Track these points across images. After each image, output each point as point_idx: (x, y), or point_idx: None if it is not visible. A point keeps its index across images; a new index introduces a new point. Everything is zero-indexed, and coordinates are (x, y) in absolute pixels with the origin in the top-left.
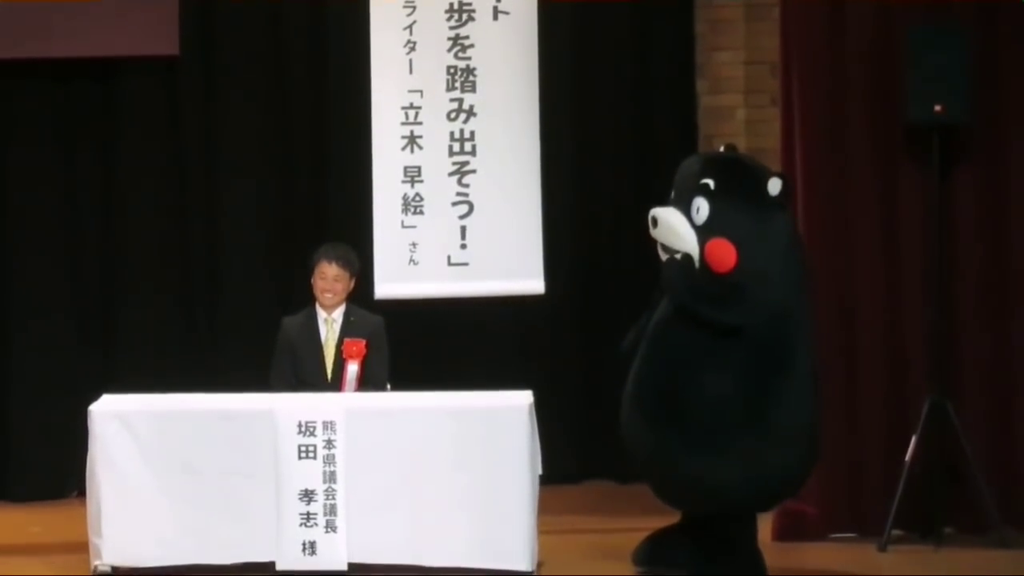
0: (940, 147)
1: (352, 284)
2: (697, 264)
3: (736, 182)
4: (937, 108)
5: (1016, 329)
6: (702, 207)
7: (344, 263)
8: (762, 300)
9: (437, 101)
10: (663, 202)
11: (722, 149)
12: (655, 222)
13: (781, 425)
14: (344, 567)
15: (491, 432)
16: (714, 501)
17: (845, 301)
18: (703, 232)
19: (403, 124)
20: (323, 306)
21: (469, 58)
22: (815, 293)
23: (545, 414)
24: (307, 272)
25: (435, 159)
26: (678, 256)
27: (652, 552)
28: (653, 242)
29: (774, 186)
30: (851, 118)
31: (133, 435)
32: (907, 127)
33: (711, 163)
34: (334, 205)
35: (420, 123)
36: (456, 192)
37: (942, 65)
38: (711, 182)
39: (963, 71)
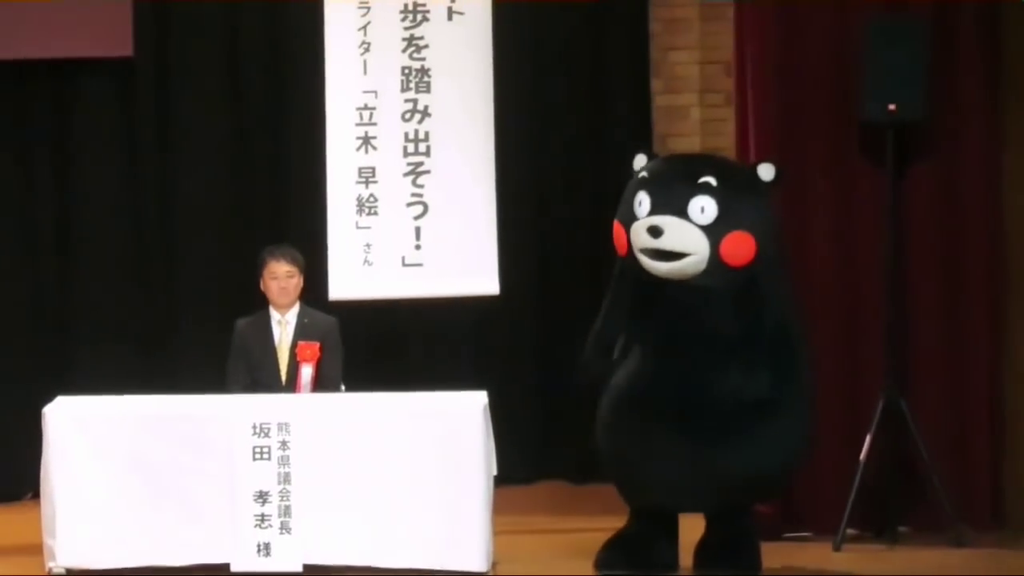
0: (895, 145)
1: (301, 282)
2: (707, 265)
3: (735, 175)
4: (891, 107)
5: (971, 327)
6: (707, 206)
7: (292, 260)
8: (777, 290)
9: (391, 102)
10: (617, 202)
11: (644, 155)
12: (658, 231)
13: (794, 415)
14: (299, 568)
15: (446, 433)
16: (717, 496)
17: (800, 299)
18: (714, 230)
19: (357, 125)
20: (278, 305)
21: (424, 59)
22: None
23: (500, 415)
24: (255, 274)
25: (389, 160)
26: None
27: (618, 556)
28: (609, 242)
29: (767, 172)
30: (806, 117)
31: (87, 437)
32: (862, 125)
33: (701, 162)
34: (288, 206)
35: (374, 124)
36: (411, 193)
37: (897, 63)
38: (712, 179)
39: (918, 69)
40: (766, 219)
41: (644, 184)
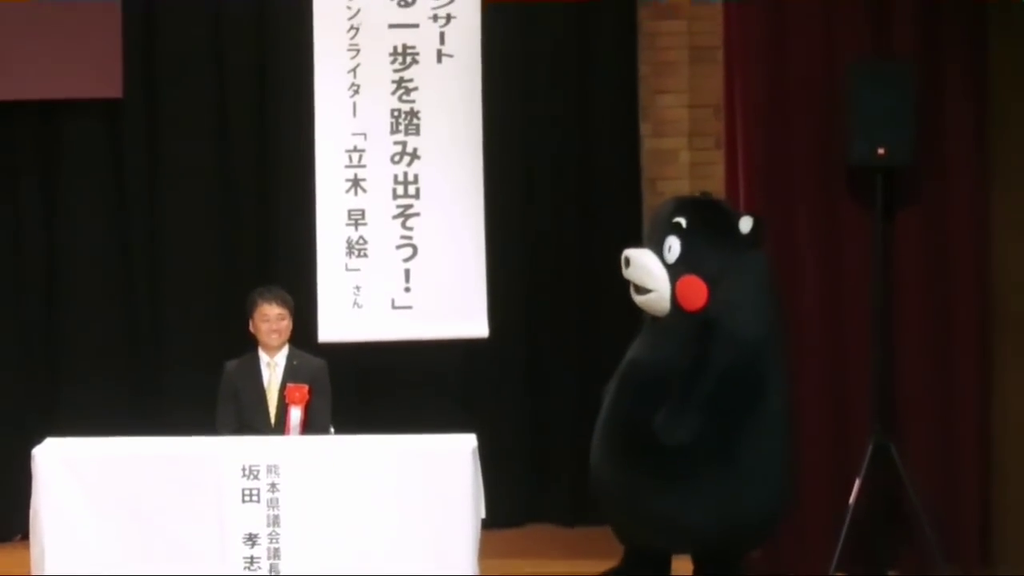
0: (883, 188)
1: (291, 324)
2: (668, 304)
3: (707, 220)
4: (880, 151)
5: (959, 370)
6: (674, 245)
7: (282, 302)
8: (732, 337)
9: (381, 144)
10: (609, 244)
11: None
12: (627, 262)
13: (753, 465)
14: None
15: (434, 476)
16: (689, 541)
17: (787, 342)
18: (675, 270)
19: (347, 167)
20: (268, 347)
21: (413, 101)
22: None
23: (488, 457)
24: (245, 317)
25: (379, 202)
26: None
27: None
28: (599, 285)
29: (745, 224)
30: (795, 159)
31: (77, 479)
32: (850, 168)
33: (683, 204)
34: (278, 248)
35: (364, 166)
36: (400, 235)
37: (885, 106)
38: (683, 220)
39: (906, 112)
40: (735, 269)
41: (651, 218)
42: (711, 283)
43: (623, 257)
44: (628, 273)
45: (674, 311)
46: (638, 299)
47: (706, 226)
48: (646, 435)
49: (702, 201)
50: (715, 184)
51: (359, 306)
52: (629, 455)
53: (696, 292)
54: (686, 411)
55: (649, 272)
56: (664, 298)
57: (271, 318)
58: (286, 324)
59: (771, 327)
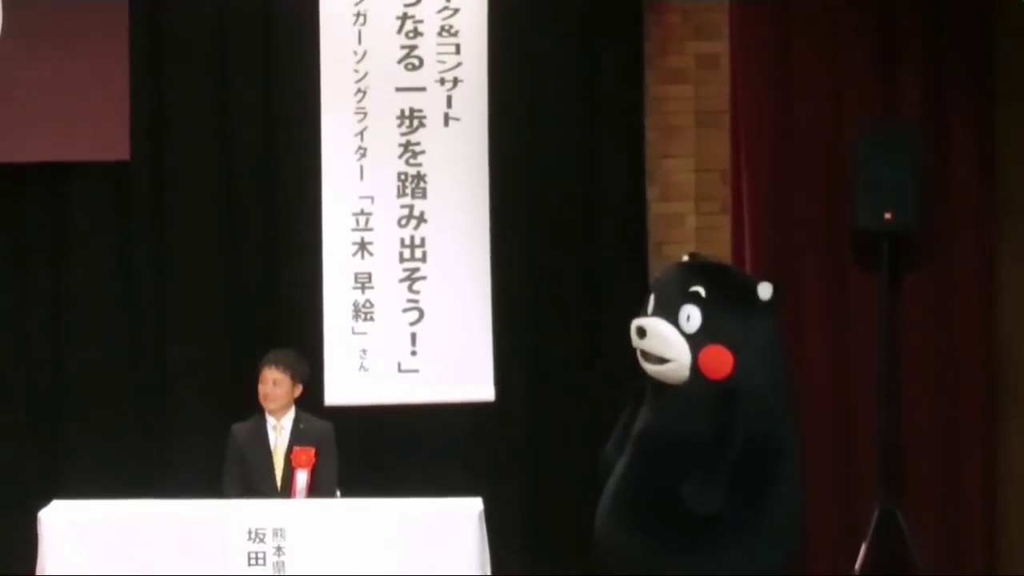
0: (889, 253)
1: (298, 390)
2: (688, 373)
3: (727, 288)
4: (886, 216)
5: (965, 436)
6: (693, 315)
7: (283, 367)
8: (755, 405)
9: (388, 207)
10: (615, 308)
11: (685, 258)
12: (643, 332)
13: (772, 529)
14: None
15: (441, 540)
16: None
17: (795, 407)
18: (695, 340)
19: (354, 230)
20: (267, 411)
21: (420, 164)
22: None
23: (495, 521)
24: (255, 379)
25: (386, 265)
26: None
27: None
28: (605, 350)
29: (765, 291)
30: (801, 224)
31: (83, 541)
32: (856, 233)
33: (699, 270)
34: (285, 311)
35: (371, 229)
36: (407, 299)
37: (891, 171)
38: (701, 289)
39: (912, 177)
40: (754, 336)
41: (655, 284)
42: (735, 352)
43: (635, 327)
44: (643, 343)
45: (694, 380)
46: (653, 369)
47: (726, 295)
48: (672, 504)
49: (714, 267)
50: (721, 248)
51: (365, 369)
52: (652, 524)
53: (722, 362)
54: (716, 480)
55: (668, 342)
56: (683, 367)
57: (267, 382)
58: (281, 392)
59: (786, 393)
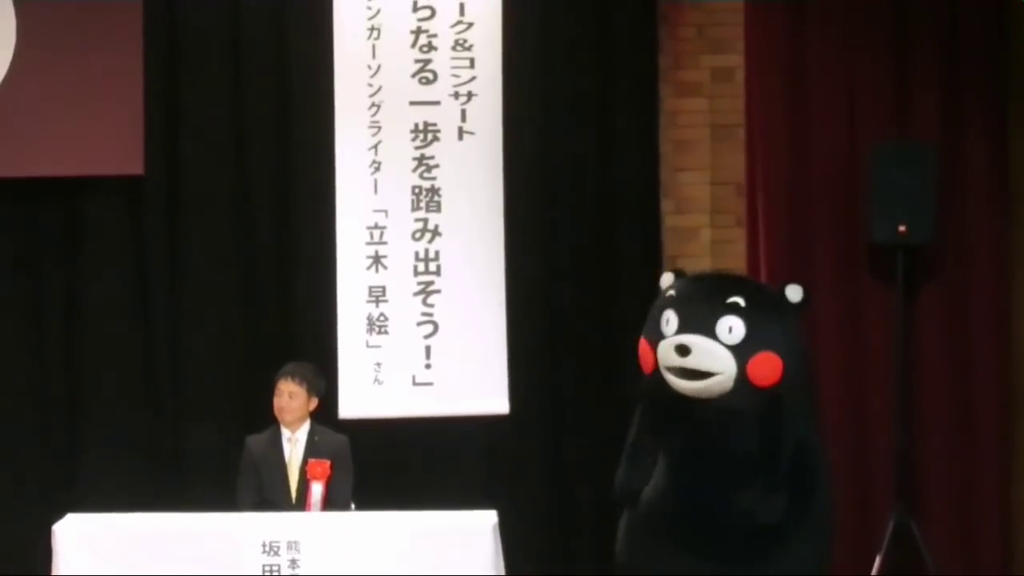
0: (904, 266)
1: (314, 403)
2: (732, 384)
3: (763, 295)
4: (901, 228)
5: (980, 449)
6: (735, 326)
7: (300, 380)
8: (800, 409)
9: (402, 221)
10: (630, 321)
11: (671, 274)
12: (686, 351)
13: (815, 540)
14: None
15: (455, 553)
16: None
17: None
18: (741, 351)
19: (368, 244)
20: (282, 423)
21: (434, 178)
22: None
23: (510, 534)
24: (271, 391)
25: (400, 279)
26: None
27: None
28: (619, 363)
29: (795, 293)
30: (816, 237)
31: (97, 555)
32: (872, 247)
33: (728, 282)
34: (299, 324)
35: (385, 243)
36: (421, 312)
37: (907, 185)
38: (741, 300)
39: (927, 190)
40: (792, 340)
41: (672, 303)
42: (783, 358)
43: (678, 347)
44: (685, 361)
45: (739, 391)
46: (693, 386)
47: (764, 302)
48: (729, 518)
49: (738, 277)
50: (737, 262)
51: (380, 382)
52: (708, 540)
53: (772, 368)
54: (778, 488)
55: (715, 356)
56: (729, 380)
57: (283, 395)
58: (297, 404)
59: (816, 398)
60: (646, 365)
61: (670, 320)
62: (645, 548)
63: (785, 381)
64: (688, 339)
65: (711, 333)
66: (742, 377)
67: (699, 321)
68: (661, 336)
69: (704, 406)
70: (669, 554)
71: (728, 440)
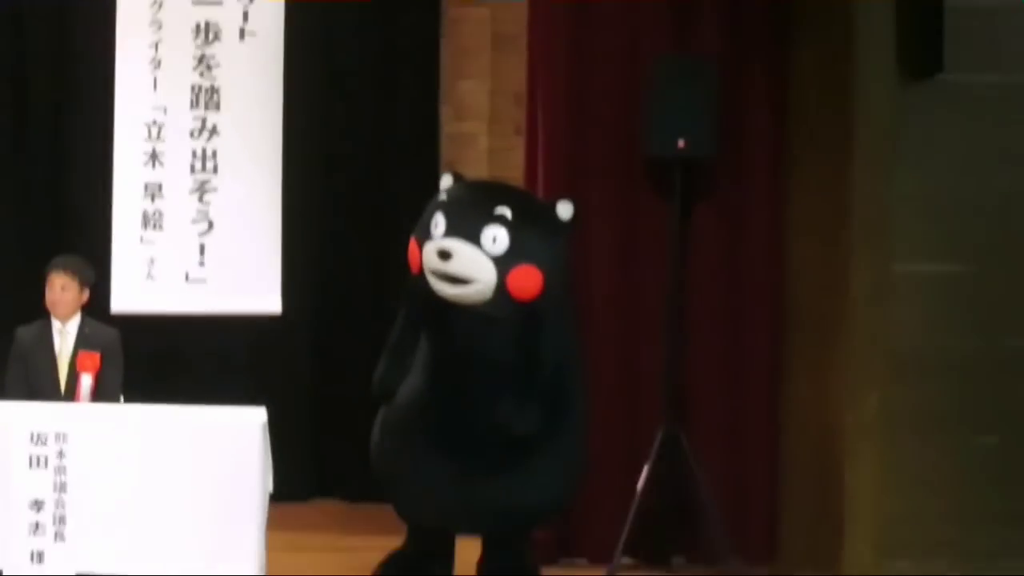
0: (682, 180)
1: (85, 296)
2: (491, 294)
3: (532, 210)
4: (680, 143)
5: (750, 363)
6: (500, 236)
7: (72, 272)
8: (562, 326)
9: (180, 119)
10: (405, 226)
11: (451, 175)
12: (447, 255)
13: (568, 446)
14: None
15: (224, 447)
16: (498, 522)
17: (582, 328)
18: (503, 261)
19: (145, 140)
20: (55, 316)
21: (215, 77)
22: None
23: (278, 432)
24: (42, 284)
25: (176, 176)
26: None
27: (394, 574)
28: (393, 267)
29: (565, 210)
30: (595, 149)
31: None
32: (650, 160)
33: (499, 192)
34: (73, 218)
35: (163, 140)
36: (196, 209)
37: (687, 99)
38: (508, 211)
39: (708, 106)
40: (557, 256)
41: (443, 207)
42: (544, 272)
43: (436, 250)
44: (446, 266)
45: (498, 301)
46: (453, 291)
47: (531, 216)
48: (486, 426)
49: (511, 188)
50: (515, 172)
51: (153, 278)
52: (463, 446)
53: (532, 282)
54: (534, 399)
55: (475, 263)
56: (488, 288)
57: (55, 287)
58: (70, 296)
59: (575, 315)
60: (414, 265)
61: (439, 223)
62: (396, 444)
63: (545, 296)
64: (450, 244)
65: (476, 240)
66: (501, 287)
67: (466, 227)
68: (430, 238)
69: (464, 312)
70: (421, 451)
71: (485, 348)
